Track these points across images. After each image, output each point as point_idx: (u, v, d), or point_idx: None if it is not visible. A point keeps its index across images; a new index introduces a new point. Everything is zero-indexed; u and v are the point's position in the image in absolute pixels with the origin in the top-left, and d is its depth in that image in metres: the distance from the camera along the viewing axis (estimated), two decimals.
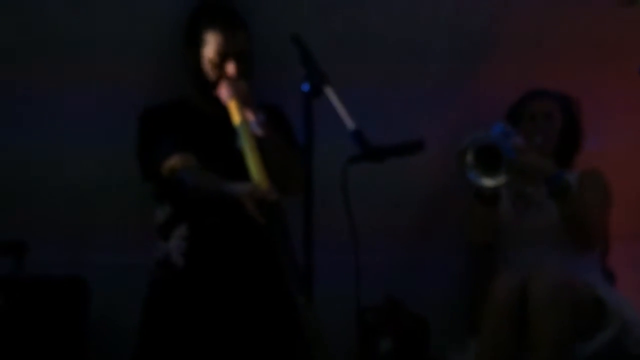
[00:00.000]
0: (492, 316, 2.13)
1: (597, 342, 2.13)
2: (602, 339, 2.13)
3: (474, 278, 2.44)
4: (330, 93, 1.71)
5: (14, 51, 2.11)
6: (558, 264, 2.22)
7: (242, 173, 1.92)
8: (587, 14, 2.33)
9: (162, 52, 2.18)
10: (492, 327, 2.13)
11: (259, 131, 2.00)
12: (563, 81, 2.39)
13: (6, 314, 2.02)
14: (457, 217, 2.39)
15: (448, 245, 2.47)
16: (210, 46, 2.08)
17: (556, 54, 2.38)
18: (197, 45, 2.10)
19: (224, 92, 2.05)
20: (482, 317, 2.16)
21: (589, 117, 2.40)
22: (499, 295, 2.14)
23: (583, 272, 2.23)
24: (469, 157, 2.14)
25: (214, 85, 2.08)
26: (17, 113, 2.17)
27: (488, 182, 2.15)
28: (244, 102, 2.02)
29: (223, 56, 2.07)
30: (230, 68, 2.06)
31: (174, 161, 2.01)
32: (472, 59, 2.35)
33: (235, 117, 2.01)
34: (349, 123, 1.69)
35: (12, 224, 2.22)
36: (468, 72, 2.37)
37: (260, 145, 1.97)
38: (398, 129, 2.30)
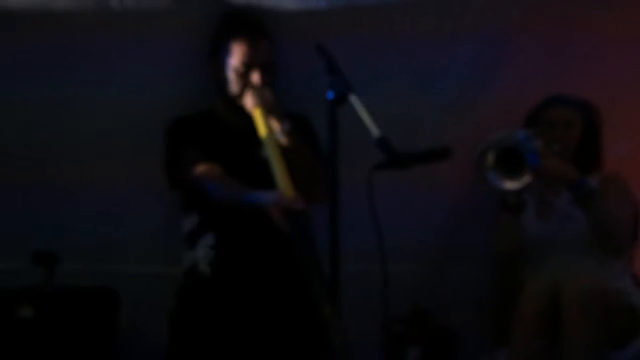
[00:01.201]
0: (523, 325, 2.11)
1: (632, 350, 2.09)
2: (637, 347, 2.09)
3: (502, 288, 2.40)
4: (354, 101, 1.71)
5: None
6: (589, 272, 2.18)
7: (268, 182, 1.93)
8: (617, 18, 2.30)
9: (189, 64, 2.21)
10: (524, 335, 2.10)
11: (284, 140, 2.01)
12: (591, 85, 2.36)
13: (37, 324, 2.04)
14: (485, 225, 2.37)
15: (476, 254, 2.44)
16: (236, 56, 2.10)
17: (585, 57, 2.36)
18: (222, 55, 2.12)
19: (249, 101, 2.07)
20: (511, 326, 2.13)
21: (618, 121, 2.36)
22: (530, 303, 2.12)
23: (615, 279, 2.20)
24: (490, 158, 2.12)
25: (239, 95, 2.10)
26: (49, 130, 2.21)
27: (509, 184, 2.12)
28: (269, 111, 2.03)
29: (248, 66, 2.09)
30: (255, 77, 2.08)
31: (199, 170, 2.02)
32: (499, 64, 2.34)
33: (261, 126, 2.03)
34: (374, 130, 1.69)
35: (44, 235, 2.25)
36: (494, 78, 2.36)
37: (286, 154, 1.98)
38: (424, 135, 2.30)
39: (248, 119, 2.06)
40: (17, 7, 2.08)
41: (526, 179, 2.09)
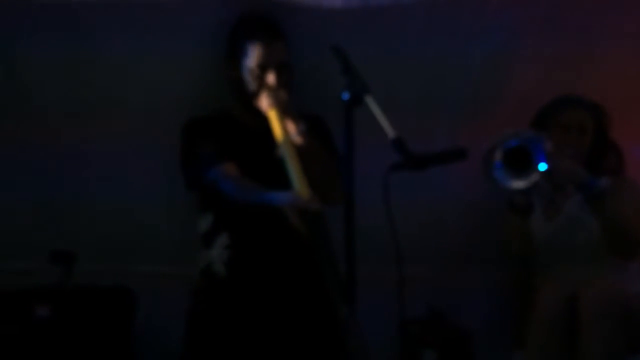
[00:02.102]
0: (540, 328, 2.09)
1: None
2: None
3: (516, 291, 2.38)
4: (370, 102, 1.71)
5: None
6: (605, 276, 2.16)
7: (283, 182, 1.93)
8: (636, 19, 2.28)
9: (205, 64, 2.21)
10: (541, 339, 2.09)
11: (299, 140, 2.01)
12: (609, 87, 2.33)
13: (54, 323, 2.06)
14: (499, 228, 2.35)
15: (492, 256, 2.42)
16: (251, 57, 2.10)
17: (603, 59, 2.33)
18: (238, 56, 2.12)
19: (264, 102, 2.07)
20: (528, 329, 2.11)
21: (637, 123, 2.33)
22: (548, 307, 2.10)
23: (631, 282, 2.17)
24: (497, 156, 2.09)
25: (254, 96, 2.11)
26: (68, 131, 2.23)
27: (516, 183, 2.09)
28: (284, 112, 2.03)
29: (263, 67, 2.09)
30: (271, 78, 2.08)
31: (215, 170, 2.03)
32: (514, 65, 2.32)
33: (276, 126, 2.03)
34: (390, 131, 1.68)
35: (62, 235, 2.27)
36: (509, 79, 2.34)
37: (301, 154, 1.97)
38: (438, 136, 2.29)
39: (264, 120, 2.06)
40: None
41: (534, 178, 2.07)
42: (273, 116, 2.04)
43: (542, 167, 2.06)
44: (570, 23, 2.29)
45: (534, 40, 2.30)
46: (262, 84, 2.09)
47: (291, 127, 2.03)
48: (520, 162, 2.08)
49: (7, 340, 2.05)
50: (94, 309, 2.10)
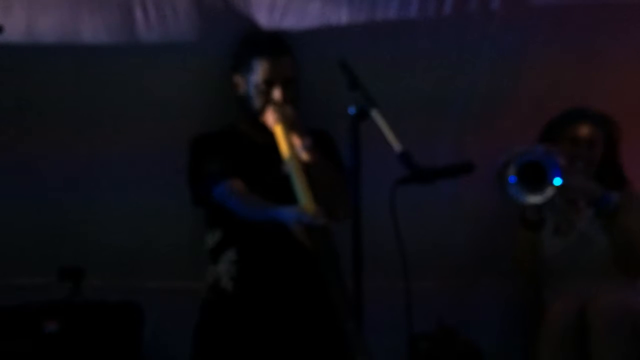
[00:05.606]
0: (550, 343, 2.07)
1: None
2: None
3: (526, 306, 2.36)
4: (376, 116, 1.71)
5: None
6: (615, 292, 2.13)
7: (290, 198, 1.93)
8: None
9: (213, 81, 2.23)
10: (552, 355, 2.06)
11: (305, 156, 2.01)
12: (618, 99, 2.32)
13: (62, 339, 2.06)
14: (511, 241, 2.33)
15: (501, 270, 2.40)
16: (257, 73, 2.11)
17: (611, 71, 2.32)
18: (244, 72, 2.13)
19: (270, 117, 2.08)
20: (538, 345, 2.09)
21: None
22: (557, 321, 2.08)
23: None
24: (511, 172, 2.08)
25: (260, 111, 2.11)
26: (78, 146, 2.24)
27: (530, 198, 2.08)
28: (290, 127, 2.04)
29: (269, 83, 2.10)
30: (277, 94, 2.09)
31: (222, 187, 2.03)
32: (520, 77, 2.32)
33: (282, 142, 2.03)
34: (396, 145, 1.68)
35: (70, 251, 2.28)
36: (516, 91, 2.33)
37: (307, 170, 1.97)
38: (445, 149, 2.28)
39: (270, 136, 2.06)
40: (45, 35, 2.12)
41: (548, 193, 2.06)
42: (279, 132, 2.04)
43: (557, 182, 2.05)
44: (577, 32, 2.29)
45: (541, 50, 2.30)
46: (268, 100, 2.10)
47: (297, 142, 2.03)
48: (535, 177, 2.07)
49: (16, 356, 2.04)
50: (102, 325, 2.10)
